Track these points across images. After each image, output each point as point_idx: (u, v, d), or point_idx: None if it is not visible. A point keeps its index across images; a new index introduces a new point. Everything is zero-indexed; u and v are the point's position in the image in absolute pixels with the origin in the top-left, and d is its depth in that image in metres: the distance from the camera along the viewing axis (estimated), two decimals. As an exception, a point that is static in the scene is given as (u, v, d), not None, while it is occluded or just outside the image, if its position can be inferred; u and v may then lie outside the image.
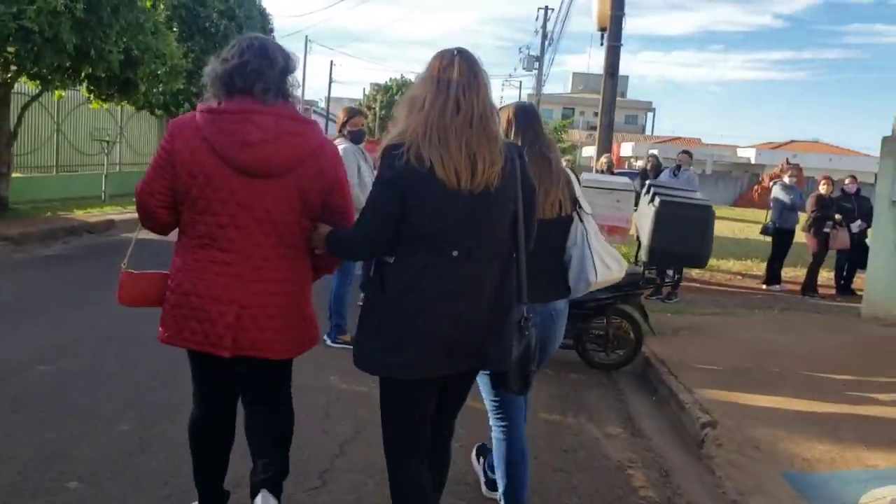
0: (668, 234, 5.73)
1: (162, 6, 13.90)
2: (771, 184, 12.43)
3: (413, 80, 2.67)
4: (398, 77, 42.35)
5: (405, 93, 2.62)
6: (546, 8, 37.46)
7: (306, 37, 45.76)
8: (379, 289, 2.50)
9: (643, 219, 6.11)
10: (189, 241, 2.60)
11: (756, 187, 37.51)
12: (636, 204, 7.75)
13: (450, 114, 2.43)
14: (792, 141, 49.73)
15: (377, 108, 39.54)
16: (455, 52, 2.51)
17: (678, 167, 10.97)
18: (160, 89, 14.32)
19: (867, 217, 11.53)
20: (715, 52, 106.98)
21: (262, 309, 2.58)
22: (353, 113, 6.31)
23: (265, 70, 2.54)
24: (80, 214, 13.41)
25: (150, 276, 2.73)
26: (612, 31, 12.56)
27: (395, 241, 2.44)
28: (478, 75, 2.50)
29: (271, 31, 20.18)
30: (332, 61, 56.23)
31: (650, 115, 71.08)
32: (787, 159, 36.96)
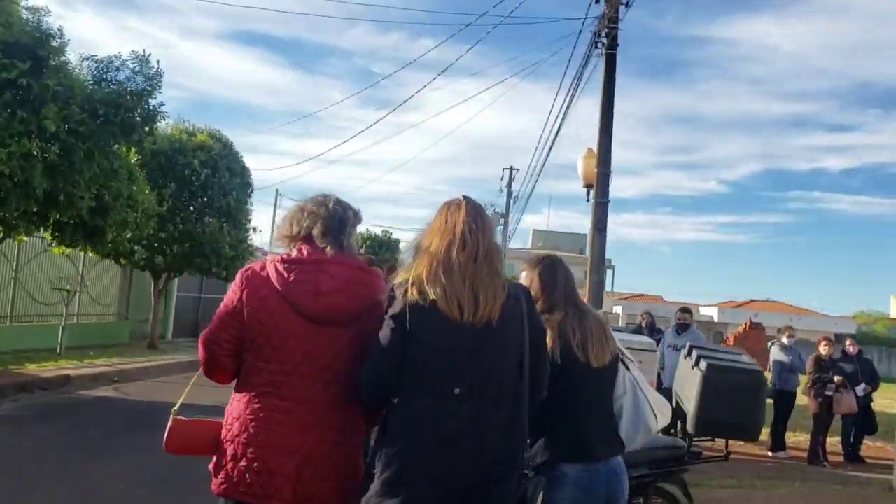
0: (718, 402, 5.12)
1: (134, 152, 13.43)
2: (769, 345, 12.04)
3: (419, 229, 2.71)
4: (363, 231, 42.31)
5: (411, 241, 2.70)
6: (511, 168, 38.34)
7: (277, 189, 45.82)
8: (381, 432, 2.49)
9: (685, 384, 5.51)
10: (249, 390, 2.59)
11: (722, 346, 37.37)
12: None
13: (455, 251, 2.50)
14: (752, 300, 50.51)
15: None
16: (462, 198, 2.64)
17: (682, 325, 10.55)
18: (128, 235, 13.74)
19: (871, 380, 11.13)
20: (664, 215, 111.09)
21: (323, 459, 2.55)
22: (370, 263, 5.71)
23: (346, 222, 2.72)
24: (32, 369, 12.36)
25: (203, 424, 2.74)
26: (599, 188, 12.45)
27: (397, 380, 2.43)
28: (483, 217, 2.61)
29: (250, 184, 19.92)
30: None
31: (610, 272, 72.19)
32: (750, 319, 37.56)
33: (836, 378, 10.71)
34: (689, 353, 5.49)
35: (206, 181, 17.69)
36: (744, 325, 35.06)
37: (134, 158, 13.86)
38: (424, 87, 34.86)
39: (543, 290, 3.09)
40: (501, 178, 38.68)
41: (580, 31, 14.06)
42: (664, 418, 3.32)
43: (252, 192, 20.11)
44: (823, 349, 11.08)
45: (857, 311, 56.07)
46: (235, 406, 2.63)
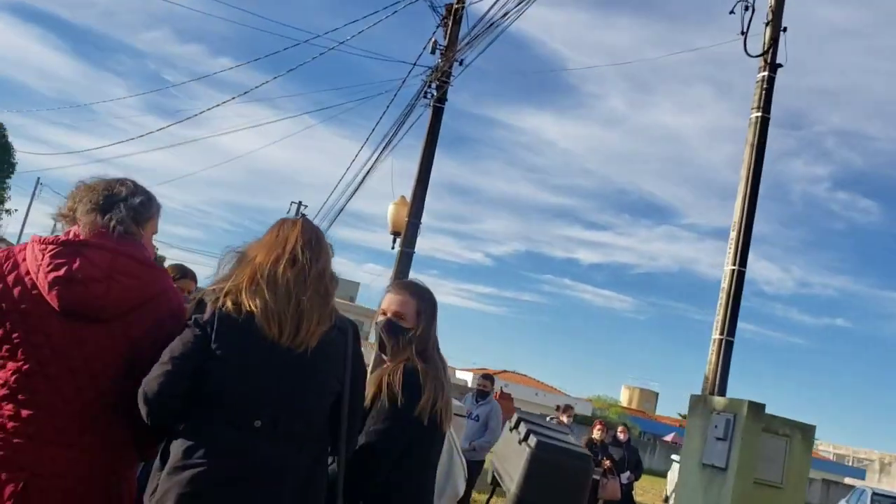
0: (543, 484, 4.74)
1: None
2: (548, 419, 12.10)
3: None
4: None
5: (230, 250, 2.41)
6: (300, 203, 37.21)
7: (38, 178, 41.22)
8: (159, 461, 2.16)
9: (509, 459, 5.08)
10: None
11: (549, 421, 38.31)
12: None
13: (283, 265, 2.28)
14: (504, 370, 52.43)
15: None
16: (299, 216, 2.50)
17: (482, 393, 10.20)
18: None
19: (636, 468, 11.45)
20: (430, 276, 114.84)
21: (58, 480, 2.16)
22: (182, 272, 4.73)
23: (119, 201, 2.38)
24: None
25: None
26: (407, 238, 12.10)
27: (187, 403, 2.11)
28: (320, 240, 2.41)
29: (13, 163, 17.52)
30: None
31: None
32: (501, 388, 39.05)
33: (605, 462, 10.89)
34: (517, 426, 5.11)
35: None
36: (496, 394, 36.20)
37: None
38: (219, 105, 32.81)
39: (422, 323, 2.70)
40: (287, 212, 37.37)
41: (404, 79, 13.80)
42: (464, 485, 3.31)
43: (13, 172, 17.74)
44: (597, 433, 11.27)
45: (594, 395, 60.08)
46: None
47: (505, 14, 11.23)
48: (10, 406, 2.17)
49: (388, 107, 16.27)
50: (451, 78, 12.58)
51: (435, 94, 12.51)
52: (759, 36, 8.24)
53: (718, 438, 6.02)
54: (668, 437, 43.31)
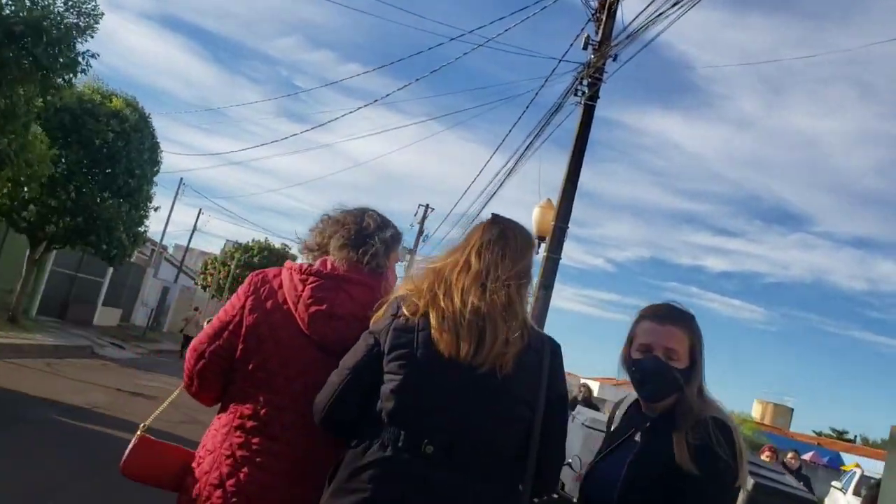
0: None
1: (40, 100, 11.37)
2: None
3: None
4: (261, 240, 40.35)
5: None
6: (426, 206, 37.25)
7: (181, 179, 43.23)
8: (326, 484, 1.96)
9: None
10: (231, 421, 2.18)
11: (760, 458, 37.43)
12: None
13: (457, 271, 2.06)
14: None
15: (233, 266, 37.33)
16: (491, 216, 2.23)
17: (585, 400, 9.62)
18: (23, 194, 11.85)
19: (807, 498, 10.47)
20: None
21: None
22: None
23: (370, 235, 2.34)
24: None
25: (173, 450, 2.32)
26: (554, 243, 11.55)
27: (362, 418, 1.95)
28: (508, 239, 2.13)
29: (159, 162, 18.09)
30: (200, 209, 52.96)
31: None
32: (582, 384, 37.89)
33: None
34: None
35: (114, 152, 15.86)
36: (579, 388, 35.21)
37: (36, 107, 11.93)
38: (347, 113, 33.36)
39: (697, 362, 2.24)
40: (415, 214, 37.44)
41: (553, 70, 13.25)
42: None
43: (158, 171, 18.32)
44: (765, 458, 10.37)
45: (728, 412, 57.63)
46: (212, 436, 2.23)
47: (660, 13, 10.53)
48: (260, 439, 2.14)
49: (527, 106, 15.76)
50: (605, 75, 11.94)
51: (587, 91, 11.90)
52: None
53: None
54: (807, 456, 40.98)
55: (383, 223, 2.41)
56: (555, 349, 2.08)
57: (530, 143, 13.97)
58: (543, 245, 11.86)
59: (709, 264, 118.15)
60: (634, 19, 11.23)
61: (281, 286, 2.25)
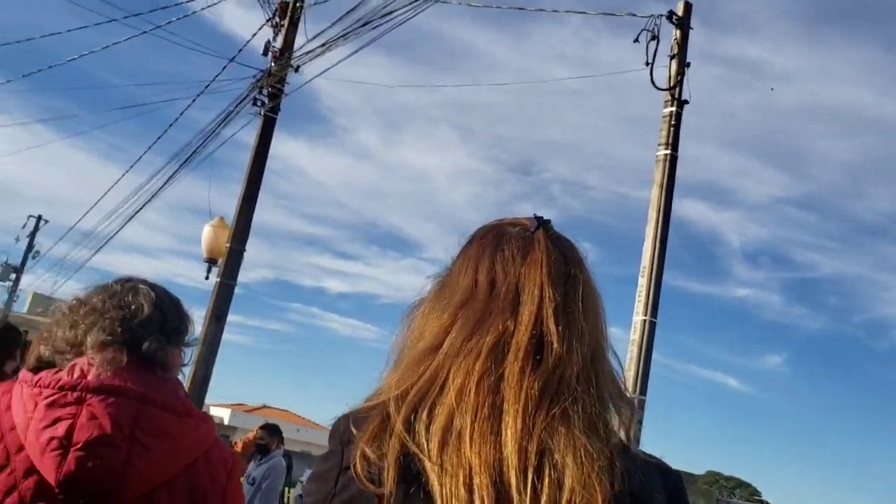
0: None
1: None
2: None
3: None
4: None
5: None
6: (39, 217, 32.51)
7: None
8: None
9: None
10: None
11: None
12: None
13: (505, 350, 1.07)
14: (265, 406, 49.90)
15: None
16: (533, 219, 1.21)
17: (262, 448, 8.35)
18: None
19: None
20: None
21: None
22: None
23: (151, 323, 1.69)
24: None
25: None
26: (228, 267, 10.24)
27: None
28: (576, 274, 1.17)
29: None
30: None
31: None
32: (260, 425, 36.92)
33: None
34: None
35: None
36: (255, 431, 34.14)
37: None
38: None
39: None
40: (23, 227, 32.45)
41: (222, 70, 11.96)
42: None
43: None
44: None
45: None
46: None
47: (344, 34, 9.97)
48: None
49: (176, 119, 14.14)
50: (285, 86, 10.99)
51: (266, 101, 10.84)
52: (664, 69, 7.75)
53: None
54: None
55: (162, 301, 1.77)
56: (674, 488, 1.14)
57: (188, 157, 12.47)
58: (215, 269, 10.51)
59: (329, 286, 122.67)
60: (317, 35, 10.53)
61: (9, 407, 1.62)
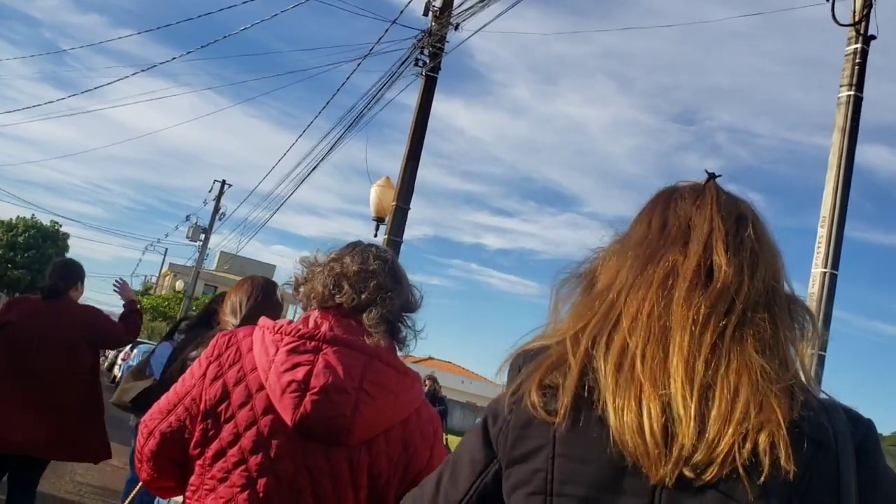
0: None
1: None
2: None
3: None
4: (27, 217, 35.94)
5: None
6: (224, 181, 34.75)
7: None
8: None
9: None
10: None
11: None
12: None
13: (676, 293, 1.08)
14: (430, 357, 51.49)
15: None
16: (707, 178, 1.20)
17: (435, 395, 8.86)
18: None
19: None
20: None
21: None
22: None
23: (390, 288, 1.81)
24: None
25: None
26: (394, 225, 10.60)
27: None
28: (755, 225, 1.16)
29: None
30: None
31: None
32: (428, 376, 38.27)
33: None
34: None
35: None
36: (424, 380, 35.42)
37: None
38: (119, 79, 29.79)
39: None
40: (209, 190, 34.80)
41: (380, 39, 12.22)
42: None
43: None
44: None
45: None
46: None
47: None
48: None
49: (343, 84, 14.64)
50: (445, 45, 11.10)
51: (427, 61, 11.01)
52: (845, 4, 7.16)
53: None
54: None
55: (408, 288, 1.91)
56: (864, 437, 1.04)
57: (357, 118, 12.91)
58: (383, 227, 10.91)
59: (488, 242, 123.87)
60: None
61: (249, 351, 1.77)
